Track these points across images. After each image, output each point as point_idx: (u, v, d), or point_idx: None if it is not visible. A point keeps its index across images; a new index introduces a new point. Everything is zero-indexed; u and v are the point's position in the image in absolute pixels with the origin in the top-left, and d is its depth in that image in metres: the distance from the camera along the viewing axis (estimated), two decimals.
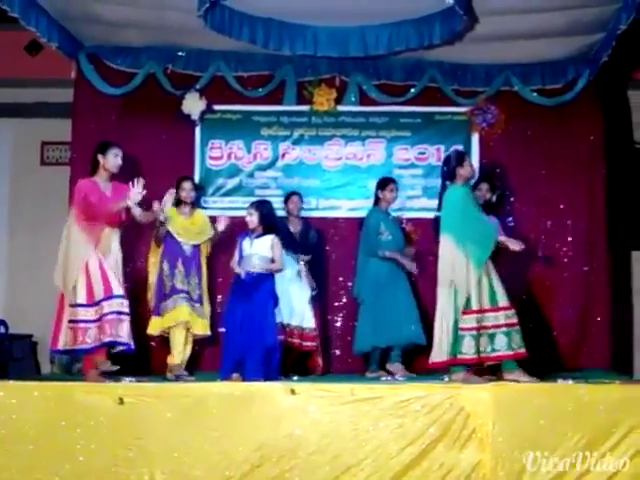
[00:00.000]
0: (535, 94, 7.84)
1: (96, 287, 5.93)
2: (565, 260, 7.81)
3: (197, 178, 7.75)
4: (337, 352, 7.73)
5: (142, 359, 6.81)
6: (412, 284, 7.22)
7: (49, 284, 6.11)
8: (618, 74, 8.22)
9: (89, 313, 5.91)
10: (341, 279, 7.78)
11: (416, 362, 7.13)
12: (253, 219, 6.19)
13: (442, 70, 7.84)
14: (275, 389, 5.13)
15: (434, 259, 6.13)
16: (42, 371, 8.18)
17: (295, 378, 6.52)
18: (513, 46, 7.39)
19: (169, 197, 6.40)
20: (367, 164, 8.01)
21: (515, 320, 5.82)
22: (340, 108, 7.99)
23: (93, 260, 5.96)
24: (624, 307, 8.42)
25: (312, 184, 7.97)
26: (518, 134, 7.91)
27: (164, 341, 6.88)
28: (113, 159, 6.13)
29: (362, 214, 7.41)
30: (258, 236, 6.20)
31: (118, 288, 5.98)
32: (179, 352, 6.65)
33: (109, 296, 5.93)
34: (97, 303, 5.92)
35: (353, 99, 7.98)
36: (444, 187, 6.15)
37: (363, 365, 7.19)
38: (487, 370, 6.02)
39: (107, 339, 5.88)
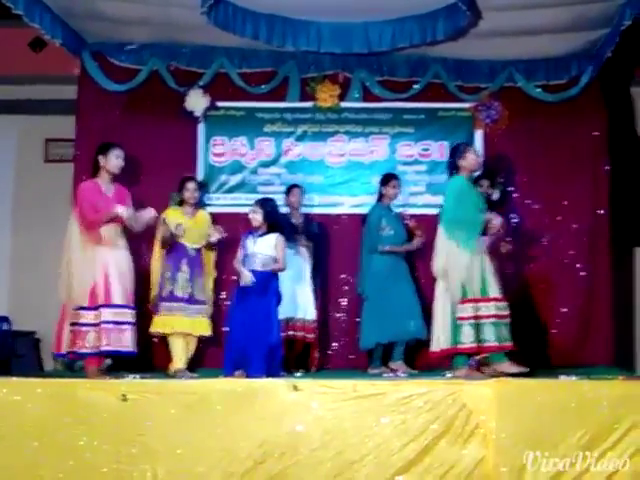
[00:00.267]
0: (539, 90, 7.83)
1: (97, 291, 5.95)
2: (568, 256, 7.80)
3: (200, 175, 7.76)
4: (340, 348, 7.74)
5: (145, 356, 6.81)
6: (415, 279, 7.23)
7: (52, 281, 6.12)
8: (622, 70, 8.21)
9: (89, 316, 5.93)
10: (344, 276, 7.77)
11: (418, 358, 7.16)
12: (257, 217, 6.15)
13: (446, 66, 7.84)
14: (278, 385, 5.12)
15: None
16: (45, 368, 8.19)
17: (298, 374, 6.53)
18: (517, 42, 7.38)
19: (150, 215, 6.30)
20: (370, 160, 8.00)
21: (505, 312, 5.83)
22: (343, 104, 7.98)
23: (96, 263, 5.96)
24: (627, 303, 8.41)
25: (315, 180, 7.96)
26: (521, 130, 7.89)
27: (166, 339, 6.88)
28: (114, 160, 6.14)
29: (365, 210, 7.42)
30: (262, 234, 6.16)
31: (119, 297, 5.99)
32: (179, 358, 6.66)
33: (108, 304, 5.94)
34: (96, 308, 5.94)
35: (356, 95, 7.97)
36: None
37: (366, 361, 7.20)
38: (488, 365, 6.06)
39: (105, 348, 5.92)
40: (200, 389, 5.16)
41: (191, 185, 6.89)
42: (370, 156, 8.01)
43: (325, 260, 7.66)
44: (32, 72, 8.36)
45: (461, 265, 5.82)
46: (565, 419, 4.93)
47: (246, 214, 6.34)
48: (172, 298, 6.62)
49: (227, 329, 6.40)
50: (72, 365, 7.15)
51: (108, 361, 6.02)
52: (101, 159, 6.13)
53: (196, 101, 7.72)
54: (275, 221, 6.20)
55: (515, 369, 5.75)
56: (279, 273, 6.19)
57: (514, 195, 7.83)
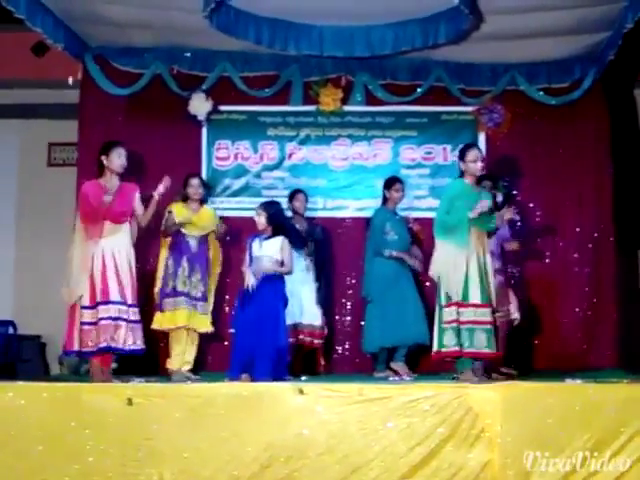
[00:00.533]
0: (541, 93, 7.84)
1: (97, 289, 5.95)
2: (573, 259, 7.80)
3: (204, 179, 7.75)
4: (345, 352, 7.74)
5: (151, 359, 6.81)
6: (418, 283, 7.23)
7: (57, 284, 6.12)
8: (624, 73, 8.22)
9: (90, 315, 5.94)
10: (348, 279, 7.79)
11: (421, 362, 7.16)
12: (261, 220, 6.14)
13: (448, 70, 7.85)
14: (283, 389, 5.12)
15: None
16: (51, 372, 8.19)
17: (303, 378, 6.52)
18: (519, 45, 7.39)
19: (166, 183, 6.32)
20: (374, 164, 8.02)
21: (484, 319, 5.78)
22: (346, 108, 8.00)
23: (96, 262, 5.97)
24: (632, 305, 8.40)
25: (319, 184, 7.98)
26: (524, 133, 7.91)
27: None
28: (117, 159, 6.13)
29: (369, 214, 7.43)
30: (267, 237, 6.15)
31: (116, 294, 5.98)
32: (177, 355, 6.63)
33: (106, 301, 5.95)
34: (95, 306, 5.94)
35: (359, 99, 7.98)
36: None
37: (371, 365, 7.20)
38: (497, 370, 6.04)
39: (103, 344, 5.92)
40: (206, 393, 5.15)
41: (195, 181, 6.85)
42: (373, 160, 8.03)
43: (329, 264, 7.66)
44: (35, 76, 8.39)
45: (447, 268, 5.81)
46: (571, 422, 4.92)
47: (250, 218, 6.35)
48: (175, 293, 6.60)
49: (232, 331, 6.39)
50: (78, 368, 7.16)
51: (113, 365, 6.01)
52: (104, 159, 6.14)
53: (199, 105, 7.71)
54: (280, 224, 6.19)
55: (475, 379, 5.68)
56: (285, 277, 6.18)
57: (517, 198, 7.83)
